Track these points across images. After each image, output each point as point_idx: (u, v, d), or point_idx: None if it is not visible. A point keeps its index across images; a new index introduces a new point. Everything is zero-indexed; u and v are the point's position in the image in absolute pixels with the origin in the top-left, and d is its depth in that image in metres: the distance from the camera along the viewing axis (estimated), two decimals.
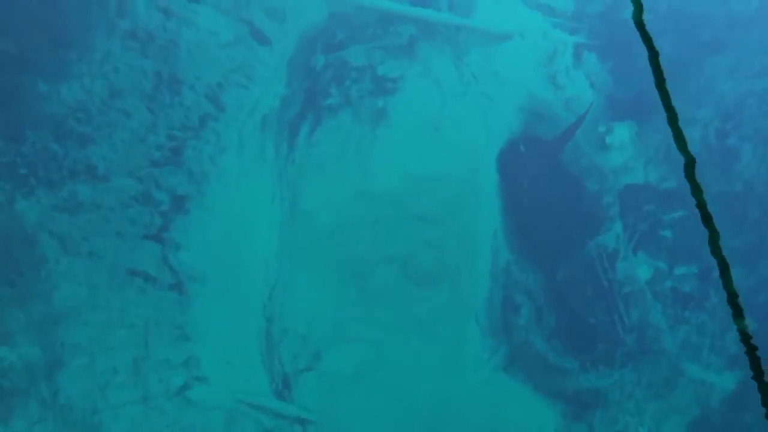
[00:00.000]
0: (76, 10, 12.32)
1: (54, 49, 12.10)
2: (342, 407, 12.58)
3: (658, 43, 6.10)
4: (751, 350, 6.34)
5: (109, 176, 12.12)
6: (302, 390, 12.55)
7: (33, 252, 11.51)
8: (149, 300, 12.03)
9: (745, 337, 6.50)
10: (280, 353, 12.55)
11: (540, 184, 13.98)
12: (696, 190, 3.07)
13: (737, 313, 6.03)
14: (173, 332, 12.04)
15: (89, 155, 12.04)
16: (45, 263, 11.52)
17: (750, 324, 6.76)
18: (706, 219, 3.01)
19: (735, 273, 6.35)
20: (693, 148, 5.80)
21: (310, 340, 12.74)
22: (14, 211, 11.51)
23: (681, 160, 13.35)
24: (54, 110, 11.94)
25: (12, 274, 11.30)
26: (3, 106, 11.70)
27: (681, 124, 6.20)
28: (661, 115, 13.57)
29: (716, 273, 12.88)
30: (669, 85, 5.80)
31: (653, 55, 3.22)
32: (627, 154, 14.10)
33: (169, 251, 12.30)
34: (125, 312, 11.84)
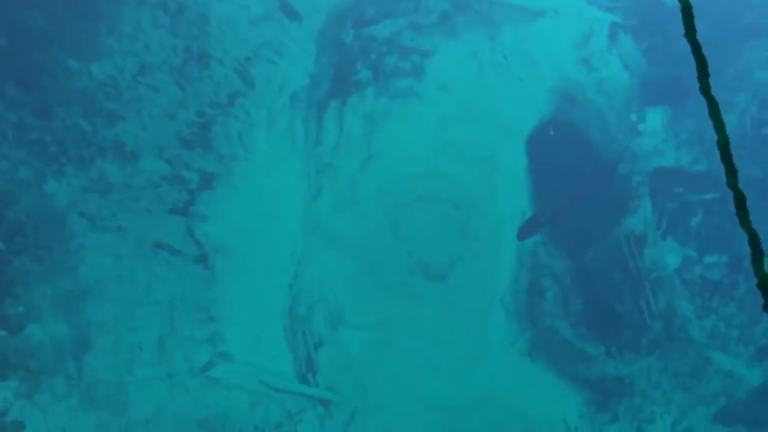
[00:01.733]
0: None
1: (83, 21, 12.10)
2: (365, 388, 12.59)
3: (695, 25, 5.90)
4: None
5: (139, 155, 12.17)
6: (325, 370, 12.56)
7: (62, 229, 11.58)
8: (174, 274, 12.08)
9: None
10: (304, 333, 12.56)
11: (569, 166, 13.79)
12: (731, 172, 2.94)
13: None
14: (198, 309, 12.09)
15: (118, 132, 12.08)
16: (73, 238, 11.60)
17: None
18: (740, 201, 2.89)
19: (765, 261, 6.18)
20: (727, 133, 5.63)
21: (335, 320, 12.73)
22: (44, 191, 11.58)
23: (713, 144, 13.13)
24: (84, 85, 11.97)
25: (41, 250, 11.39)
26: (33, 82, 11.73)
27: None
28: (695, 99, 13.45)
29: (746, 262, 12.66)
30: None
31: (695, 45, 3.08)
32: (659, 138, 13.83)
33: (195, 226, 12.33)
34: (150, 287, 11.91)
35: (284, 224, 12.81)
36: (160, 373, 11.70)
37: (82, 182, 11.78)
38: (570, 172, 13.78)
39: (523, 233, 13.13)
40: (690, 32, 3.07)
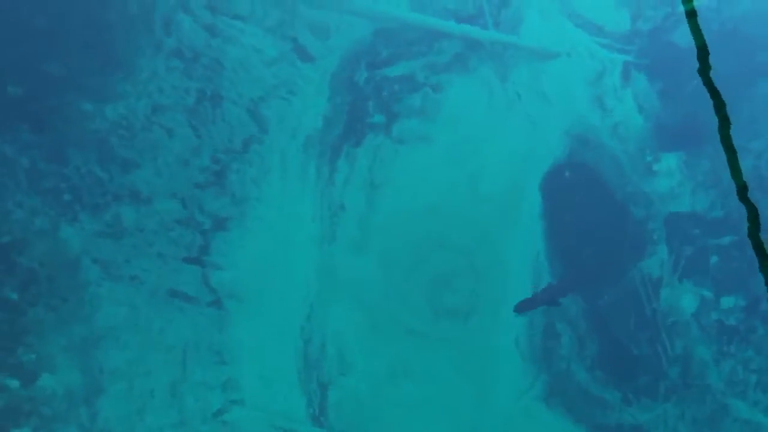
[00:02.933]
0: (123, 31, 12.50)
1: (100, 70, 12.26)
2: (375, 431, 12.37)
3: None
4: None
5: (153, 199, 12.22)
6: (337, 414, 12.44)
7: (76, 277, 11.60)
8: (188, 320, 12.04)
9: None
10: (317, 376, 12.48)
11: (584, 209, 13.73)
12: (752, 213, 2.90)
13: None
14: (211, 354, 12.05)
15: (134, 180, 12.16)
16: (87, 287, 11.61)
17: None
18: (757, 244, 2.83)
19: None
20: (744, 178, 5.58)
21: (346, 363, 12.66)
22: (58, 237, 11.62)
23: (730, 188, 13.05)
24: (97, 127, 12.09)
25: (55, 299, 11.41)
26: (47, 128, 11.87)
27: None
28: (711, 141, 13.44)
29: (763, 305, 12.51)
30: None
31: (710, 86, 3.07)
32: (674, 181, 13.76)
33: (210, 271, 12.34)
34: (164, 333, 11.86)
35: (297, 267, 12.79)
36: (172, 419, 11.61)
37: (95, 227, 11.84)
38: (585, 214, 13.71)
39: (521, 308, 12.97)
40: (706, 76, 3.04)
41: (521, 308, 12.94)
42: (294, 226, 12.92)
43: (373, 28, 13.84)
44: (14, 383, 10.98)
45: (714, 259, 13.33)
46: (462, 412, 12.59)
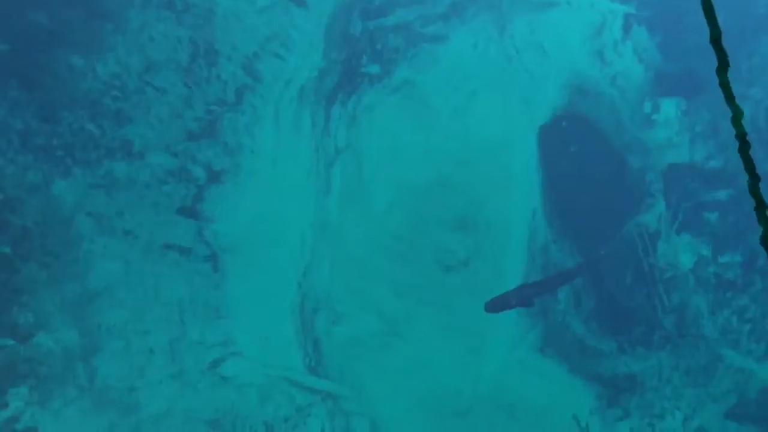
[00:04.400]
0: None
1: (88, 21, 12.03)
2: (374, 382, 12.55)
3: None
4: None
5: (145, 152, 12.12)
6: (334, 365, 12.52)
7: (69, 233, 11.53)
8: (183, 276, 12.03)
9: None
10: (313, 328, 12.51)
11: (581, 161, 13.63)
12: (749, 166, 2.83)
13: None
14: (208, 309, 12.05)
15: (126, 133, 12.03)
16: (80, 242, 11.56)
17: None
18: (757, 197, 2.76)
19: None
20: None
21: (344, 315, 12.69)
22: (51, 193, 11.53)
23: (729, 138, 12.95)
24: (90, 86, 11.93)
25: (47, 256, 11.36)
26: (38, 85, 11.68)
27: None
28: (710, 91, 13.27)
29: (761, 260, 12.49)
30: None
31: (716, 35, 2.95)
32: (672, 130, 13.64)
33: (204, 224, 12.29)
34: (159, 289, 11.87)
35: (293, 220, 12.74)
36: (170, 373, 11.67)
37: (89, 180, 11.74)
38: (582, 165, 13.62)
39: (491, 308, 12.30)
40: (713, 30, 2.95)
41: (492, 308, 12.32)
42: (288, 178, 12.82)
43: None
44: (10, 343, 11.01)
45: (712, 213, 13.31)
46: (457, 361, 12.65)
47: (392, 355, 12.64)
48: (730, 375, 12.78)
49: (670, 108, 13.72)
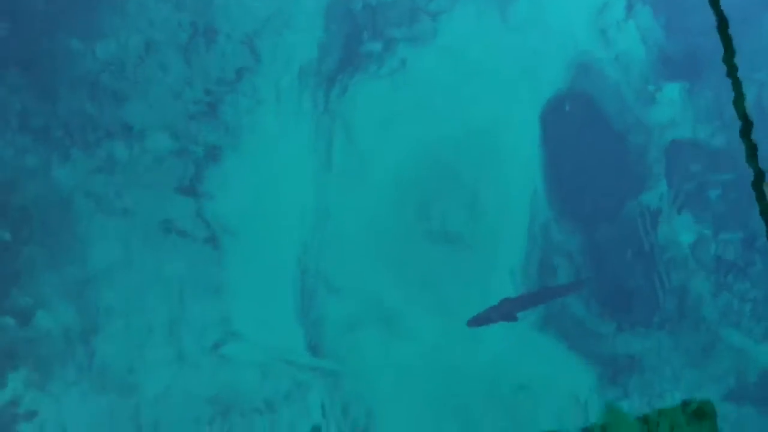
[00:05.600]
0: None
1: (87, 3, 11.95)
2: (373, 359, 12.58)
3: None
4: None
5: (145, 133, 12.07)
6: (334, 342, 12.54)
7: (68, 214, 11.53)
8: (183, 256, 12.04)
9: None
10: (314, 307, 12.52)
11: (584, 139, 13.58)
12: (751, 150, 2.81)
13: None
14: (207, 289, 12.06)
15: (125, 114, 11.99)
16: (79, 223, 11.56)
17: None
18: (758, 178, 2.75)
19: None
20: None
21: (344, 293, 12.68)
22: (50, 176, 11.51)
23: (732, 119, 12.90)
24: (88, 68, 11.86)
25: (48, 237, 11.36)
26: (37, 67, 11.61)
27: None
28: (714, 72, 13.17)
29: (762, 240, 12.45)
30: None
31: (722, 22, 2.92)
32: (675, 110, 13.57)
33: (203, 203, 12.28)
34: (159, 270, 11.88)
35: (293, 197, 12.71)
36: (170, 353, 11.70)
37: (88, 162, 11.72)
38: (585, 145, 13.56)
39: (473, 322, 12.18)
40: (719, 18, 2.93)
41: (475, 323, 12.19)
42: (289, 157, 12.78)
43: None
44: (10, 324, 11.04)
45: (714, 191, 13.27)
46: (456, 340, 12.66)
47: (391, 333, 12.66)
48: (729, 356, 12.81)
49: (673, 88, 13.64)
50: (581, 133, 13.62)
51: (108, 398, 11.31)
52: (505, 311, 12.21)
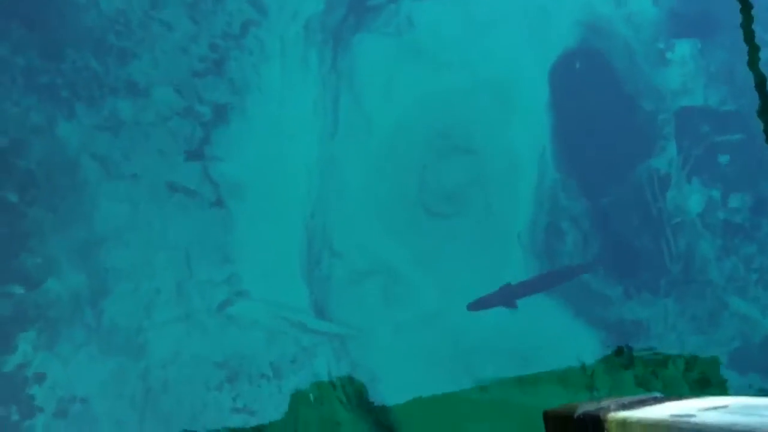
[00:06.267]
0: None
1: None
2: (380, 323, 12.52)
3: None
4: None
5: (150, 89, 11.94)
6: (341, 306, 12.51)
7: (75, 175, 11.45)
8: (190, 219, 12.00)
9: None
10: (320, 270, 12.49)
11: (593, 99, 13.42)
12: (765, 108, 2.74)
13: None
14: (215, 252, 12.04)
15: (131, 71, 11.84)
16: (86, 184, 11.49)
17: None
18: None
19: None
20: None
21: (351, 257, 12.63)
22: (55, 135, 11.41)
23: (744, 82, 12.72)
24: (93, 23, 11.69)
25: (54, 198, 11.31)
26: (41, 23, 11.44)
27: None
28: (726, 33, 13.01)
29: None
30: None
31: None
32: (687, 72, 13.39)
33: (210, 165, 12.22)
34: (166, 232, 11.85)
35: (300, 160, 12.62)
36: (178, 315, 11.74)
37: (93, 121, 11.66)
38: (593, 105, 13.42)
39: (473, 306, 12.42)
40: None
41: (474, 307, 12.40)
42: (296, 118, 12.66)
43: None
44: (19, 288, 11.07)
45: (724, 155, 13.13)
46: (461, 302, 12.65)
47: (396, 296, 12.64)
48: (735, 323, 12.78)
49: (684, 49, 13.43)
50: (590, 94, 13.46)
51: (117, 360, 11.35)
52: (506, 298, 12.42)
